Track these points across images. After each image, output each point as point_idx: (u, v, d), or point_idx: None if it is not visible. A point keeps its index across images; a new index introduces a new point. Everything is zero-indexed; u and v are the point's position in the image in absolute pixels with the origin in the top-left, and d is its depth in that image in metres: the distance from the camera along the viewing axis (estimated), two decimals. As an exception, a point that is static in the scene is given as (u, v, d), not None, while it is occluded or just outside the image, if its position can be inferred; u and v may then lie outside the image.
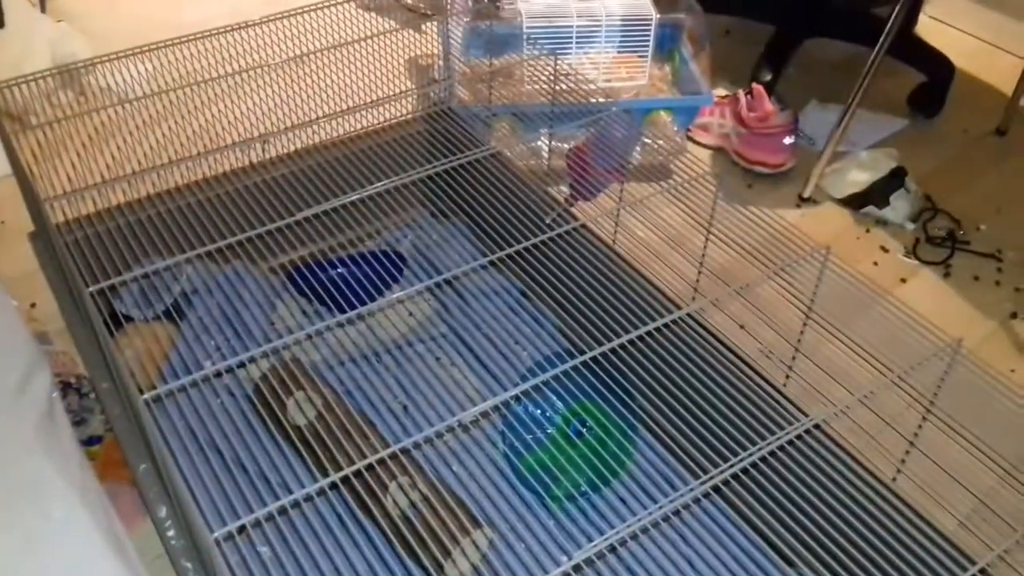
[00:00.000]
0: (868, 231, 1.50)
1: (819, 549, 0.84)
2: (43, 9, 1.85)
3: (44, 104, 1.06)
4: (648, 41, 1.55)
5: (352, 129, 1.19)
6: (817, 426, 0.83)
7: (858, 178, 1.53)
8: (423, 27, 1.28)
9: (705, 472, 0.74)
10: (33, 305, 1.23)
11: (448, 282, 1.15)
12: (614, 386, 0.99)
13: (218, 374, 0.82)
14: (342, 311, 0.88)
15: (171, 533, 0.83)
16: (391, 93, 1.20)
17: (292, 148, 1.17)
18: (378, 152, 1.22)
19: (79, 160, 1.02)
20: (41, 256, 1.10)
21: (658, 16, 1.53)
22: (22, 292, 1.19)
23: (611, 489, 0.99)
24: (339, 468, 0.73)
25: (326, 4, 1.19)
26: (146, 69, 1.11)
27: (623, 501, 0.98)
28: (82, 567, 0.67)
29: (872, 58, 1.46)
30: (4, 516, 0.66)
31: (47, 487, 0.69)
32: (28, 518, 0.67)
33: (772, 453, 0.83)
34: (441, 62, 1.28)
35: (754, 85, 1.61)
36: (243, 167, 1.15)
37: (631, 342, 0.86)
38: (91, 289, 0.82)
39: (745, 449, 0.77)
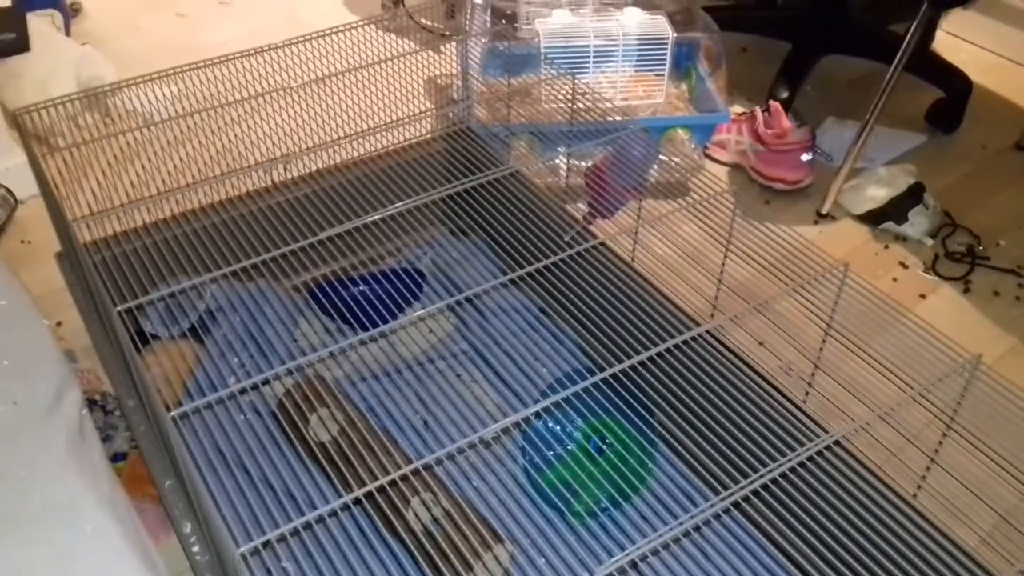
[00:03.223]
0: (887, 247, 1.50)
1: (840, 565, 0.84)
2: (67, 32, 1.88)
3: (70, 126, 1.08)
4: (665, 60, 1.56)
5: (373, 149, 1.21)
6: (837, 442, 0.84)
7: (876, 194, 1.53)
8: (442, 48, 1.30)
9: (725, 488, 0.74)
10: (59, 324, 1.25)
11: (468, 300, 1.16)
12: (634, 403, 0.99)
13: (242, 391, 0.83)
14: (364, 328, 0.89)
15: (196, 549, 0.84)
16: (411, 113, 1.22)
17: (313, 168, 1.19)
18: (398, 172, 1.24)
19: (104, 180, 1.04)
20: (68, 276, 1.12)
21: (675, 35, 1.54)
22: (48, 311, 1.21)
23: (631, 505, 0.99)
24: (362, 484, 0.74)
25: (346, 27, 1.21)
26: (170, 92, 1.13)
27: (643, 517, 0.98)
28: (113, 581, 0.68)
29: (889, 74, 1.47)
30: (38, 530, 0.67)
31: (79, 502, 0.71)
32: (61, 532, 0.68)
33: (792, 469, 0.83)
34: (460, 82, 1.29)
35: (771, 102, 1.62)
36: (266, 187, 1.17)
37: (651, 359, 0.87)
38: (119, 308, 0.83)
39: (765, 465, 0.77)
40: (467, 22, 1.30)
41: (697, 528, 0.94)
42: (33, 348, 0.86)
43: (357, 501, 0.77)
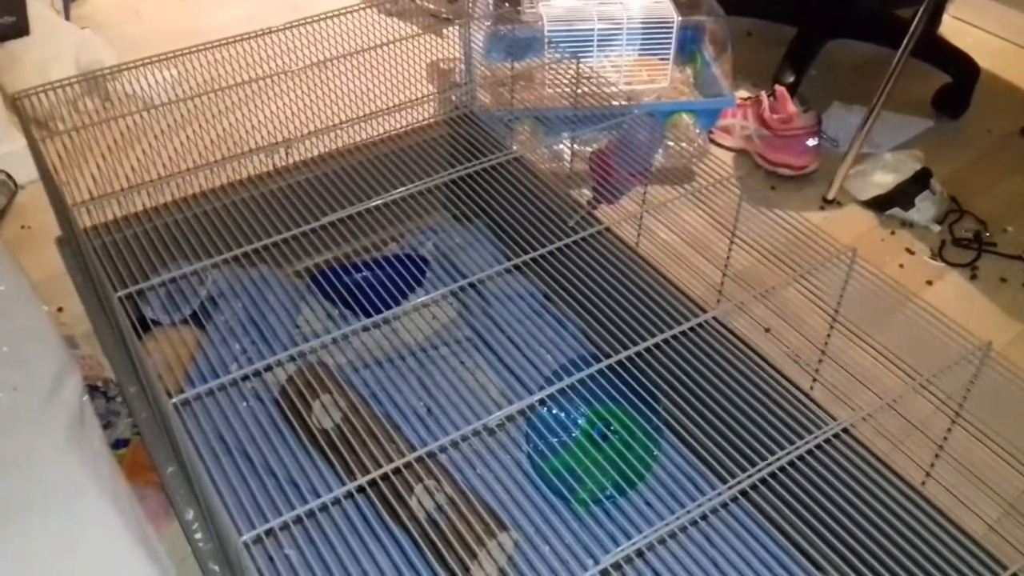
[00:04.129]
0: (893, 233, 1.49)
1: (848, 553, 0.83)
2: (67, 16, 1.87)
3: (70, 110, 1.07)
4: (670, 44, 1.54)
5: (375, 133, 1.20)
6: (845, 430, 0.83)
7: (883, 180, 1.52)
8: (444, 32, 1.28)
9: (732, 476, 0.74)
10: (60, 309, 1.24)
11: (472, 285, 1.15)
12: (639, 390, 0.99)
13: (244, 378, 0.83)
14: (366, 315, 0.88)
15: (199, 536, 0.83)
16: (413, 98, 1.21)
17: (315, 153, 1.18)
18: (400, 156, 1.23)
19: (105, 164, 1.03)
20: (68, 261, 1.11)
21: (679, 19, 1.53)
22: (49, 296, 1.20)
23: (637, 493, 0.98)
24: (365, 471, 0.74)
25: (347, 10, 1.19)
26: (170, 75, 1.12)
27: (649, 505, 0.97)
28: (114, 567, 0.68)
29: (896, 59, 1.45)
30: (38, 517, 0.67)
31: (79, 489, 0.70)
32: (61, 519, 0.68)
33: (800, 457, 0.82)
34: (463, 66, 1.28)
35: (776, 87, 1.61)
36: (267, 172, 1.16)
37: (656, 346, 0.86)
38: (119, 294, 0.83)
39: (772, 453, 0.76)
40: (470, 5, 1.28)
41: (703, 516, 0.93)
42: (33, 334, 0.85)
43: (360, 489, 0.77)
